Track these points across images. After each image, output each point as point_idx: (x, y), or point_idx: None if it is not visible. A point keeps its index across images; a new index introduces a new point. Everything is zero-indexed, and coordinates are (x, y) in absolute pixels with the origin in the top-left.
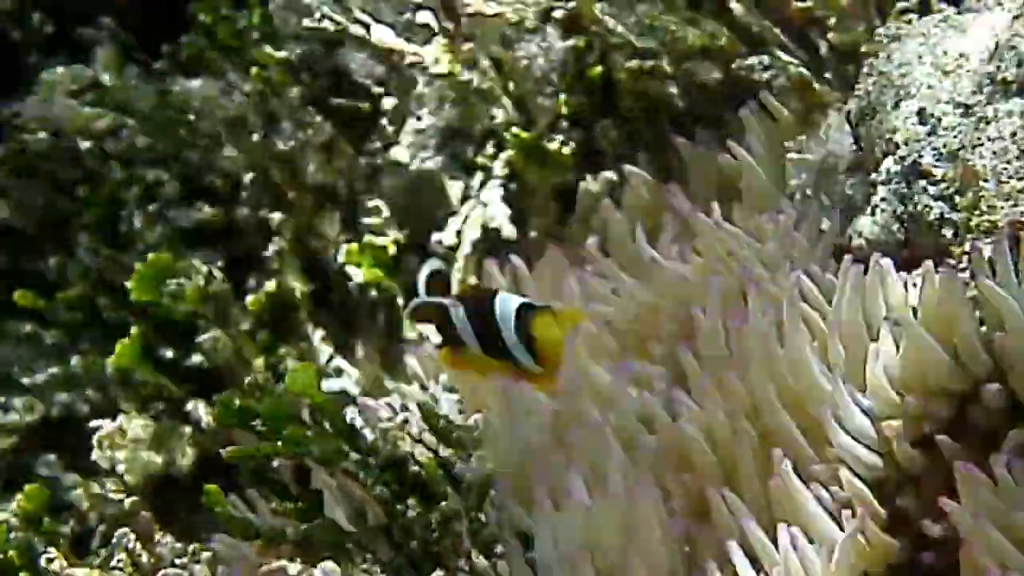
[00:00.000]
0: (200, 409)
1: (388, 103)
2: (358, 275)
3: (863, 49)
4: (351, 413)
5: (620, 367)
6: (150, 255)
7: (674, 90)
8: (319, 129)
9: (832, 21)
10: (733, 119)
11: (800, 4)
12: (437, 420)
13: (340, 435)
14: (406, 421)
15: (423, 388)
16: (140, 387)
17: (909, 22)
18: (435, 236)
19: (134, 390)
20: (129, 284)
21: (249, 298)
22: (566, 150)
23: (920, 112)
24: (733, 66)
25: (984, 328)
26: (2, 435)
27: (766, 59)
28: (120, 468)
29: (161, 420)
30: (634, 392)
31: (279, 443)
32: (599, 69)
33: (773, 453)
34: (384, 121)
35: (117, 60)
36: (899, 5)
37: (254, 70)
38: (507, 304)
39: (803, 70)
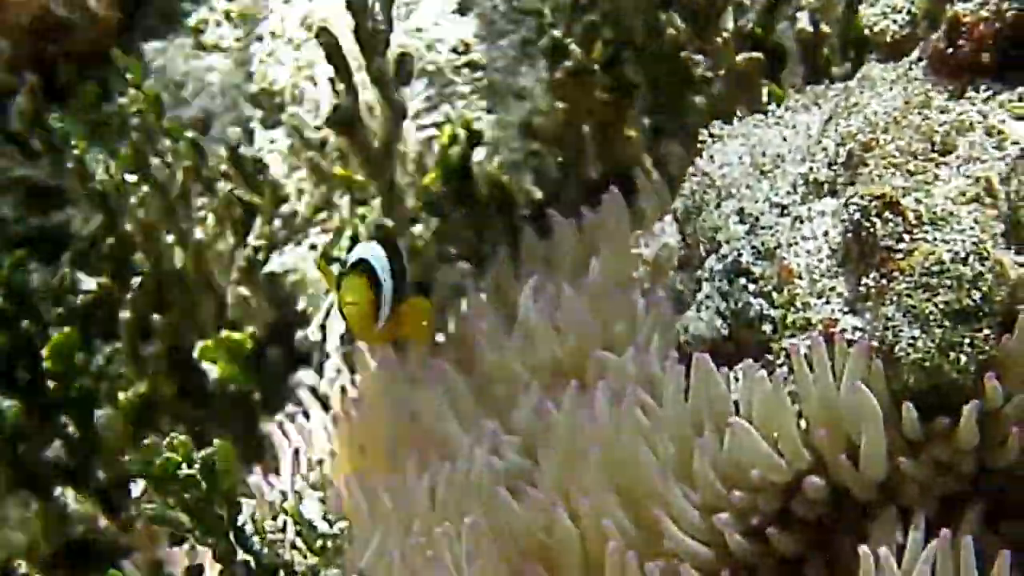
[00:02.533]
0: (68, 495)
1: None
2: (213, 371)
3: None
4: (242, 514)
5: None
6: (65, 328)
7: (528, 177)
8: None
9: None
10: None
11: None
12: (304, 526)
13: (235, 534)
14: (284, 526)
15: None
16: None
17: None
18: (299, 332)
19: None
20: (44, 352)
21: (120, 396)
22: (420, 242)
23: (740, 212)
24: (682, 54)
25: (804, 423)
26: None
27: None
28: None
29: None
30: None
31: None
32: (458, 157)
33: (609, 547)
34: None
35: None
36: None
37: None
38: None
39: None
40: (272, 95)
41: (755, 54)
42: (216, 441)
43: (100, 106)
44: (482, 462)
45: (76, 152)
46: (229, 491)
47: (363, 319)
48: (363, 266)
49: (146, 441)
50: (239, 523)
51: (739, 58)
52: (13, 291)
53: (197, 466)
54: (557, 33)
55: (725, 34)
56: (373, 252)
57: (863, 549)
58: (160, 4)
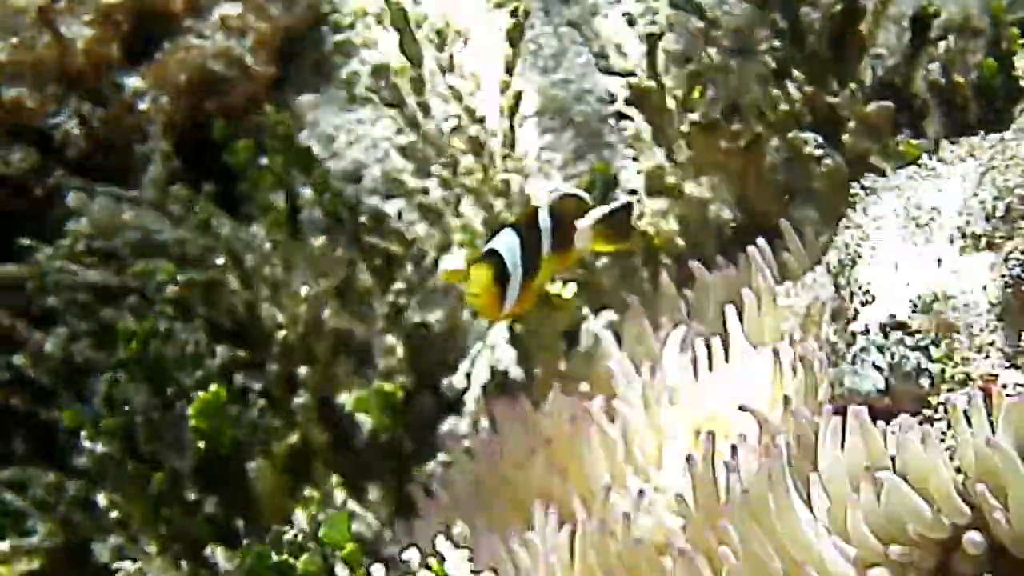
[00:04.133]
0: (219, 555)
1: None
2: (366, 422)
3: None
4: (377, 573)
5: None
6: (211, 387)
7: (675, 227)
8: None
9: (851, 125)
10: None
11: (830, 99)
12: None
13: None
14: None
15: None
16: (164, 526)
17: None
18: (445, 380)
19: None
20: (190, 410)
21: (274, 447)
22: (567, 293)
23: (896, 264)
24: (789, 135)
25: (961, 477)
26: (20, 558)
27: (820, 138)
28: None
29: (180, 564)
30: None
31: None
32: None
33: None
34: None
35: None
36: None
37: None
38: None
39: (841, 161)
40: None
41: (886, 103)
42: (329, 512)
43: (254, 161)
44: (627, 520)
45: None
46: (350, 556)
47: (485, 309)
48: (492, 256)
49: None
50: None
51: (870, 108)
52: (147, 362)
53: (286, 551)
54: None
55: (854, 84)
56: (506, 240)
57: None
58: (313, 56)
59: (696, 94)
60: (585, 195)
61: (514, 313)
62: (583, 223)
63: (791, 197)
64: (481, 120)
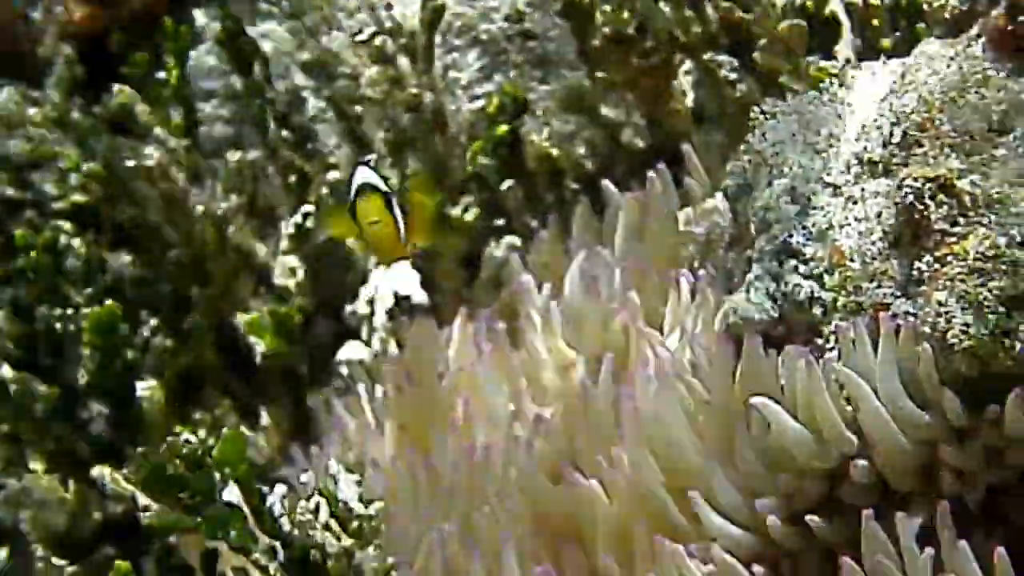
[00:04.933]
0: (106, 474)
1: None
2: (259, 345)
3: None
4: (274, 496)
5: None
6: (107, 301)
7: (582, 150)
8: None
9: (762, 42)
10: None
11: (742, 15)
12: (338, 507)
13: (258, 518)
14: (318, 507)
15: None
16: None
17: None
18: (348, 307)
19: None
20: (85, 324)
21: (165, 369)
22: (469, 216)
23: (792, 191)
24: (705, 57)
25: (850, 408)
26: None
27: (735, 62)
28: (24, 528)
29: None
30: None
31: (200, 520)
32: (505, 129)
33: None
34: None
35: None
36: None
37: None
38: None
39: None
40: (325, 64)
41: (798, 21)
42: (224, 430)
43: (150, 75)
44: (523, 444)
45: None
46: (242, 478)
47: (390, 238)
48: (371, 189)
49: (140, 450)
50: (266, 507)
51: (782, 25)
52: (41, 273)
53: (182, 466)
54: None
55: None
56: (369, 175)
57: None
58: None
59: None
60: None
61: (415, 249)
62: None
63: (701, 120)
64: (391, 32)
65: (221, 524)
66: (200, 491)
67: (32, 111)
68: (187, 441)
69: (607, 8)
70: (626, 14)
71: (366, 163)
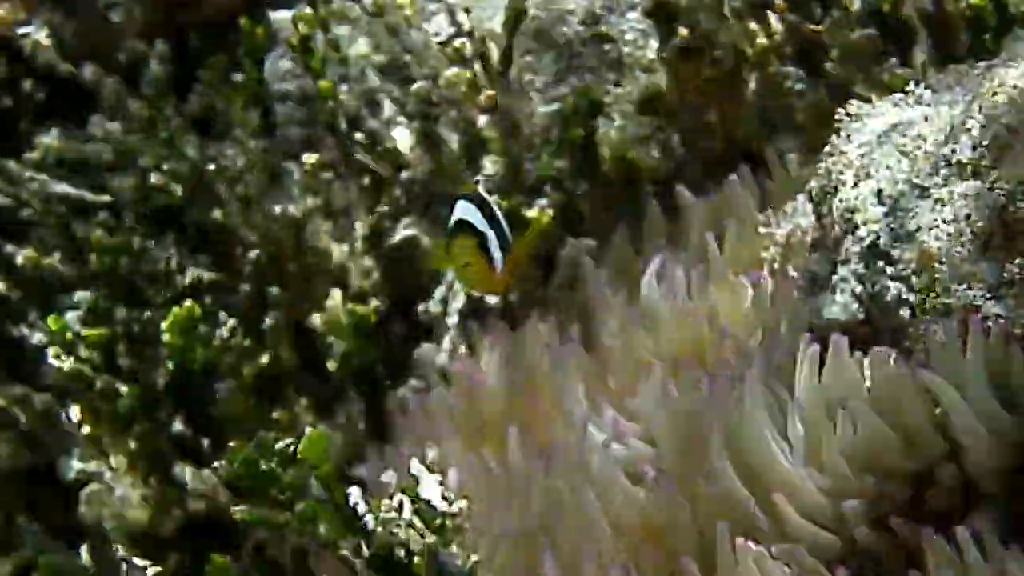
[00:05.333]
0: (187, 473)
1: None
2: (337, 344)
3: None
4: (354, 495)
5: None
6: (185, 303)
7: (656, 154)
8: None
9: (834, 52)
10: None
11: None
12: (421, 505)
13: (343, 517)
14: (401, 505)
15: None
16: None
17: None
18: (420, 306)
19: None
20: (163, 325)
21: (244, 368)
22: (545, 218)
23: (878, 193)
24: (770, 69)
25: (938, 410)
26: None
27: (802, 73)
28: (106, 527)
29: (148, 481)
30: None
31: (292, 517)
32: (580, 131)
33: (718, 529)
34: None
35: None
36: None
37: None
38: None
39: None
40: (401, 64)
41: (870, 31)
42: (307, 430)
43: (228, 77)
44: (601, 448)
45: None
46: (326, 476)
47: (481, 279)
48: (465, 227)
49: (231, 444)
50: (352, 503)
51: (855, 36)
52: (116, 278)
53: (275, 460)
54: None
55: (837, 12)
56: (468, 210)
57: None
58: None
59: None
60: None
61: (509, 281)
62: None
63: (773, 128)
64: (469, 34)
65: (310, 520)
66: (292, 487)
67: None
68: (278, 438)
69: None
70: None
71: (466, 197)
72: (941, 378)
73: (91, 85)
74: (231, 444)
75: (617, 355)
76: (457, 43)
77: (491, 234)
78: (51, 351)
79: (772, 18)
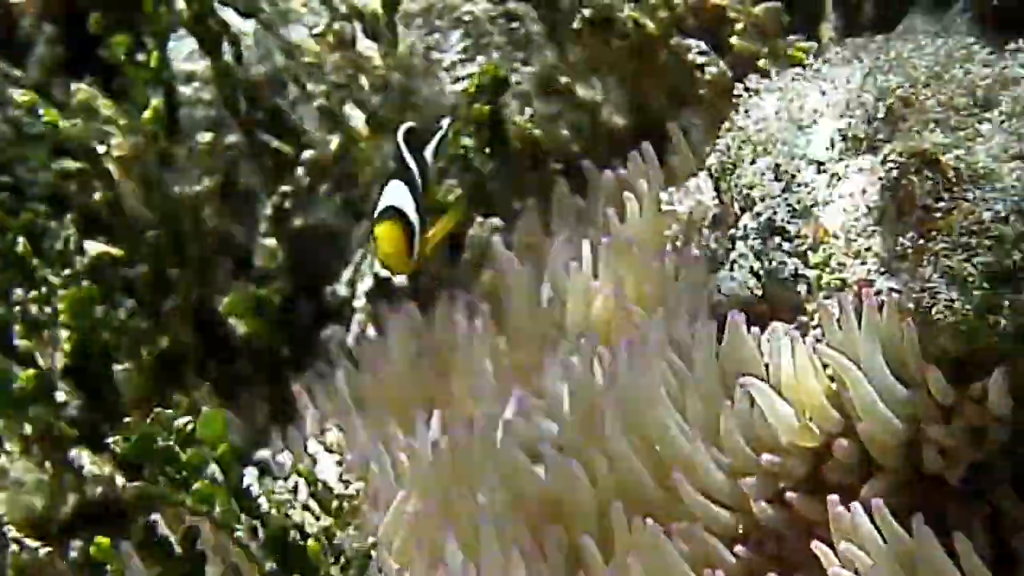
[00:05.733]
0: (84, 457)
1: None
2: (239, 327)
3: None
4: (249, 476)
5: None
6: (84, 283)
7: (566, 132)
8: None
9: (739, 26)
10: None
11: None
12: (317, 486)
13: (237, 497)
14: (296, 487)
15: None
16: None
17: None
18: (328, 288)
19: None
20: (60, 306)
21: (143, 350)
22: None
23: (775, 168)
24: (672, 42)
25: (835, 385)
26: None
27: (703, 45)
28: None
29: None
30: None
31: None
32: (487, 108)
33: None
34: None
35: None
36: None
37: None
38: None
39: (726, 69)
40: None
41: (774, 4)
42: (204, 409)
43: (131, 58)
44: (505, 425)
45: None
46: (223, 457)
47: (400, 263)
48: (394, 213)
49: (126, 420)
50: (244, 485)
51: (757, 9)
52: (13, 258)
53: (173, 438)
54: None
55: None
56: (398, 194)
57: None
58: None
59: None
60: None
61: (419, 264)
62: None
63: (681, 102)
64: (348, 17)
65: (206, 500)
66: (190, 466)
67: (15, 92)
68: (175, 415)
69: None
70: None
71: (398, 176)
72: (836, 353)
73: None
74: (126, 420)
75: (525, 332)
76: (336, 26)
77: (416, 222)
78: None
79: None
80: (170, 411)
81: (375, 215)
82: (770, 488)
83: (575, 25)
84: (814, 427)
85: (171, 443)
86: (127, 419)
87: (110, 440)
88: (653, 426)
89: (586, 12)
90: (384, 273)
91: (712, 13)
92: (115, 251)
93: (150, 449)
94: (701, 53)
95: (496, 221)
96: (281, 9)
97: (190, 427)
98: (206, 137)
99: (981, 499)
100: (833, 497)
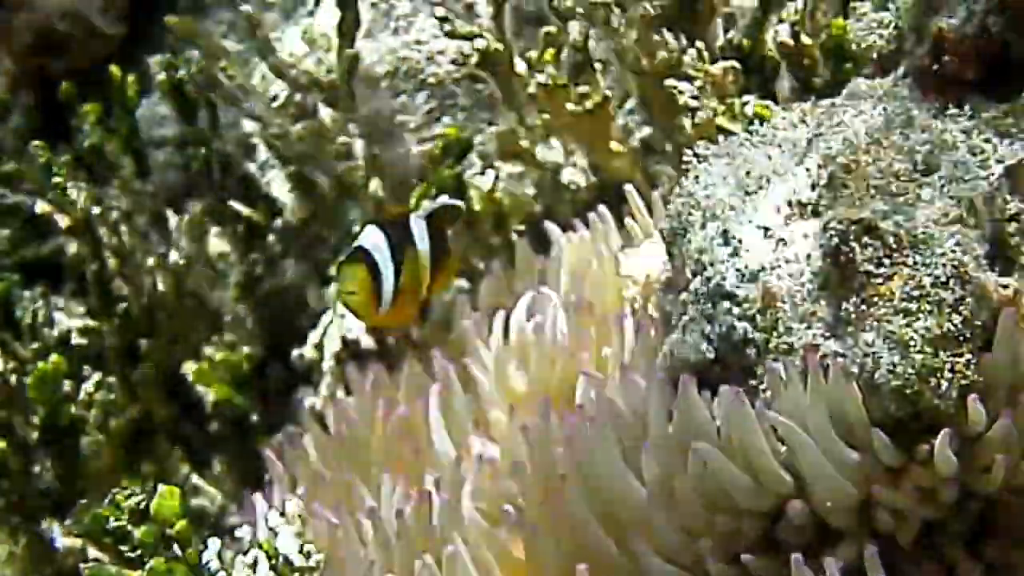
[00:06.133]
0: (55, 529)
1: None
2: (209, 395)
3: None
4: (208, 551)
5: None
6: (51, 357)
7: (530, 191)
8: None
9: (697, 83)
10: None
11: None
12: (278, 560)
13: (195, 573)
14: (256, 561)
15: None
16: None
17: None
18: (295, 351)
19: None
20: (28, 382)
21: (112, 422)
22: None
23: (724, 233)
24: (667, 83)
25: (785, 448)
26: None
27: (695, 88)
28: None
29: (16, 536)
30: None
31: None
32: (450, 172)
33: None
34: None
35: None
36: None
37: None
38: None
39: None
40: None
41: (729, 63)
42: (160, 487)
43: (100, 126)
44: (468, 489)
45: (56, 180)
46: (180, 533)
47: (363, 307)
48: (361, 254)
49: (83, 502)
50: (203, 561)
51: (714, 68)
52: None
53: (125, 517)
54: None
55: (702, 45)
56: (373, 238)
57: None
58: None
59: (548, 56)
60: (460, 203)
61: (393, 322)
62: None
63: (648, 153)
64: (307, 88)
65: None
66: (143, 545)
67: None
68: (131, 494)
69: (532, 55)
70: (558, 56)
71: (376, 223)
72: (785, 417)
73: None
74: (81, 502)
75: (489, 392)
76: (297, 98)
77: (389, 272)
78: None
79: (668, 37)
80: (126, 491)
81: (343, 257)
82: (725, 549)
83: (530, 90)
84: (766, 490)
85: (123, 523)
86: (81, 501)
87: (68, 521)
88: (610, 489)
89: (540, 77)
90: (351, 335)
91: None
92: (86, 323)
93: (102, 529)
94: (693, 97)
95: (461, 281)
96: (240, 83)
97: (143, 505)
98: (196, 207)
99: (934, 557)
100: (796, 556)
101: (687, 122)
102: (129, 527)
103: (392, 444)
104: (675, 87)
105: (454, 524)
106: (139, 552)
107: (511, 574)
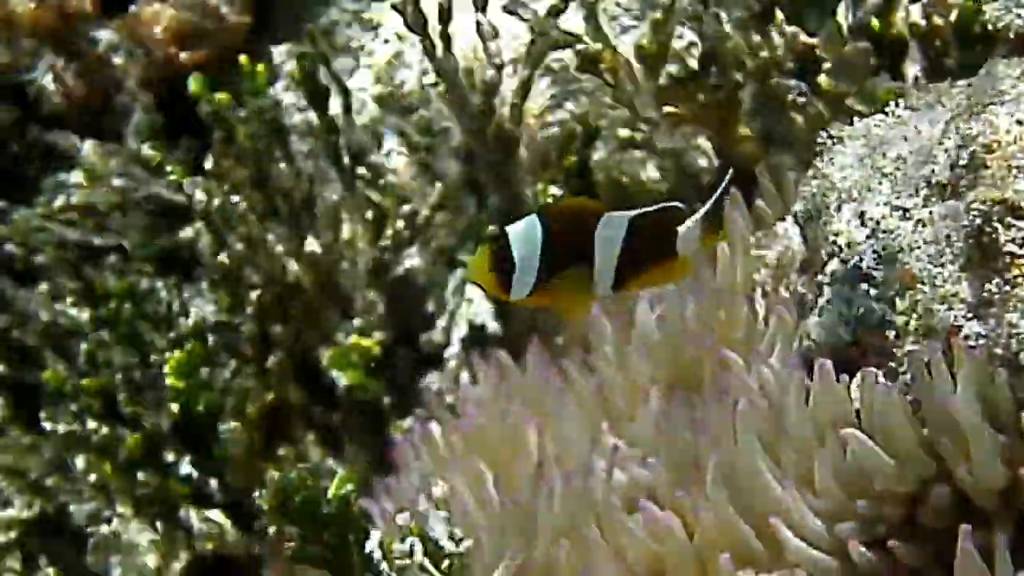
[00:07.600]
0: (192, 516)
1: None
2: (342, 379)
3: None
4: (369, 543)
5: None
6: (187, 345)
7: (655, 174)
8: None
9: (827, 65)
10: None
11: (806, 39)
12: (430, 546)
13: (365, 563)
14: (412, 548)
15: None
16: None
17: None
18: (424, 335)
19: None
20: (167, 368)
21: (248, 407)
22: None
23: (861, 215)
24: (771, 81)
25: (925, 431)
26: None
27: (804, 85)
28: (115, 573)
29: (156, 526)
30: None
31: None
32: (574, 159)
33: (720, 560)
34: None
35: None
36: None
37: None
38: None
39: (821, 108)
40: (398, 98)
41: (864, 44)
42: (339, 472)
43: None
44: (601, 476)
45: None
46: (355, 521)
47: (486, 282)
48: (498, 240)
49: (273, 475)
50: (367, 551)
51: (847, 48)
52: (119, 322)
53: (333, 504)
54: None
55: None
56: (517, 226)
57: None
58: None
59: (656, 47)
60: (681, 205)
61: (528, 303)
62: (686, 226)
63: (769, 143)
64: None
65: (346, 565)
66: (346, 534)
67: (112, 162)
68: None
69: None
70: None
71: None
72: (927, 401)
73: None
74: (276, 475)
75: (615, 381)
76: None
77: (531, 264)
78: (43, 413)
79: (773, 32)
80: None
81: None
82: (867, 533)
83: (662, 81)
84: (909, 473)
85: (332, 510)
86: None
87: (255, 495)
88: (747, 475)
89: (672, 69)
90: (479, 319)
91: (802, 51)
92: (220, 312)
93: (310, 513)
94: (801, 94)
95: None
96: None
97: (349, 495)
98: (320, 194)
99: None
100: (965, 527)
101: (796, 116)
102: (335, 514)
103: (520, 431)
104: (781, 85)
105: (589, 512)
106: (336, 540)
107: (647, 562)
